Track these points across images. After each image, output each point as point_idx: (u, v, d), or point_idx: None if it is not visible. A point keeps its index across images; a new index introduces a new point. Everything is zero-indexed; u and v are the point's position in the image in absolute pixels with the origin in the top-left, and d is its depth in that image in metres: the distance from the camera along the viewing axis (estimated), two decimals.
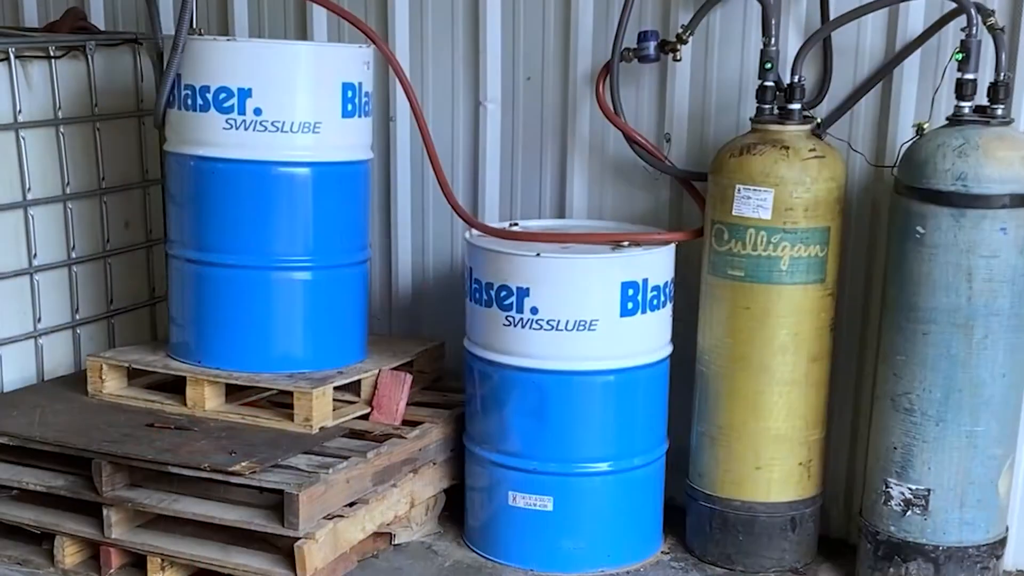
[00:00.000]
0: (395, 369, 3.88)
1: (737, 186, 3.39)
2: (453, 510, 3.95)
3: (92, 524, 3.48)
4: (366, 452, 3.52)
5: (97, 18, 4.60)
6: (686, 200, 3.84)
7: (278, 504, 3.33)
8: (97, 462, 3.40)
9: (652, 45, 3.68)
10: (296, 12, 4.30)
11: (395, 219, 4.30)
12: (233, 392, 3.79)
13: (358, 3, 4.15)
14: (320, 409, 3.60)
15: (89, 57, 4.06)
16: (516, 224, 3.84)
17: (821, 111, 3.60)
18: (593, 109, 3.91)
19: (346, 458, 3.47)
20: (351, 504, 3.48)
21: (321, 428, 3.61)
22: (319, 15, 4.23)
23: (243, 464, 3.30)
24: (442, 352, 4.19)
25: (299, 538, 3.26)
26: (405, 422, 3.80)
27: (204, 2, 4.36)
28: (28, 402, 3.80)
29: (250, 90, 3.51)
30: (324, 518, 3.35)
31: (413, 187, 4.28)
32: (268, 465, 3.33)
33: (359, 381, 3.80)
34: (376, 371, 3.83)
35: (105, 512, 3.42)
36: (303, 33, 4.27)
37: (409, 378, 3.83)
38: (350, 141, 3.74)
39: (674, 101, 3.80)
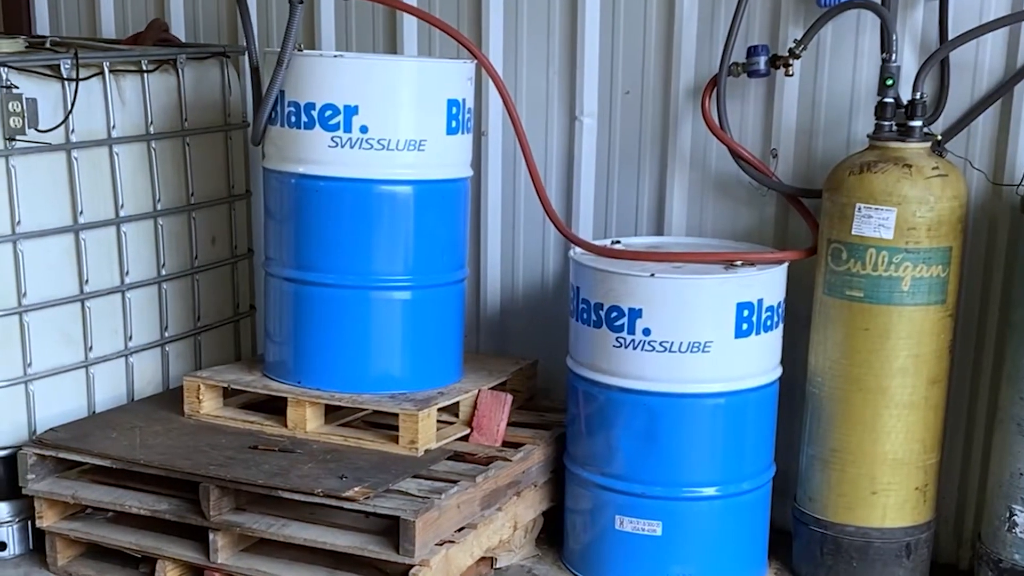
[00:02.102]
0: (493, 389, 3.83)
1: (857, 205, 3.32)
2: (549, 532, 3.89)
3: (195, 548, 3.42)
4: (474, 476, 3.45)
5: (177, 29, 4.54)
6: (792, 217, 3.77)
7: (387, 529, 3.28)
8: (205, 486, 3.34)
9: (763, 59, 3.61)
10: (385, 25, 4.23)
11: (484, 235, 4.23)
12: (330, 412, 3.74)
13: (450, 16, 4.08)
14: (425, 431, 3.54)
15: (180, 71, 4.01)
16: (618, 242, 3.77)
17: (937, 128, 3.52)
18: (695, 124, 3.85)
19: (455, 482, 3.41)
20: (460, 529, 3.42)
21: (426, 451, 3.55)
22: (409, 28, 4.17)
23: (356, 489, 3.23)
24: (535, 371, 4.13)
25: (413, 565, 3.20)
26: (504, 443, 3.75)
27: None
28: (124, 423, 3.74)
29: (357, 107, 3.45)
30: (436, 544, 3.29)
31: (504, 203, 4.22)
32: (381, 490, 3.27)
33: (457, 401, 3.74)
34: (476, 391, 3.77)
35: (211, 536, 3.37)
36: (393, 47, 4.21)
37: (510, 399, 3.76)
38: (453, 158, 3.67)
39: (781, 116, 3.73)
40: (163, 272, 4.05)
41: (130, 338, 3.97)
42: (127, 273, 3.90)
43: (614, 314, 3.43)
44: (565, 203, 4.10)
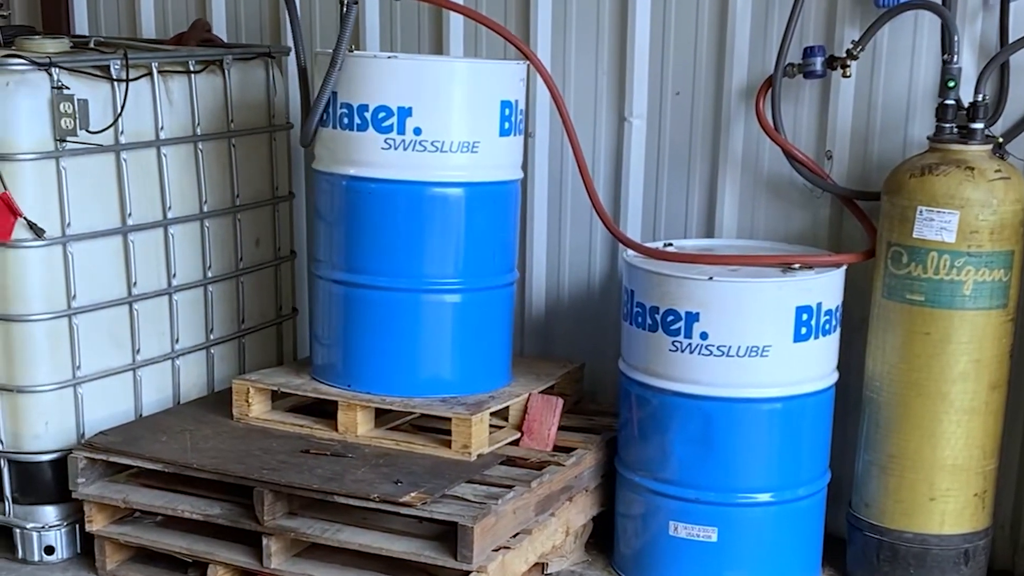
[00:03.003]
0: (542, 392, 3.79)
1: (919, 208, 3.28)
2: (598, 537, 3.86)
3: (247, 553, 3.40)
4: (529, 481, 3.42)
5: (219, 29, 4.51)
6: (846, 219, 3.73)
7: (442, 535, 3.25)
8: (259, 491, 3.31)
9: (819, 61, 3.57)
10: (431, 25, 4.20)
11: (530, 236, 4.20)
12: (379, 416, 3.71)
13: (497, 14, 4.04)
14: (478, 436, 3.51)
15: (226, 71, 3.98)
16: (670, 244, 3.73)
17: (996, 130, 3.48)
18: (747, 125, 3.81)
19: (510, 487, 3.37)
20: (515, 535, 3.38)
21: (479, 455, 3.52)
22: (455, 28, 4.13)
23: (413, 495, 3.20)
24: (582, 373, 4.09)
25: (471, 571, 3.17)
26: (554, 447, 3.71)
27: (335, 16, 4.25)
28: (173, 426, 3.71)
29: (411, 109, 3.42)
30: (493, 550, 3.26)
31: (551, 204, 4.18)
32: (437, 496, 3.24)
33: (507, 405, 3.71)
34: (526, 395, 3.74)
35: (265, 542, 3.34)
36: (439, 47, 4.18)
37: (560, 403, 3.73)
38: (505, 160, 3.64)
39: (837, 117, 3.69)
40: (209, 274, 4.02)
41: (176, 341, 3.94)
42: (174, 275, 3.88)
43: (670, 318, 3.39)
44: (613, 205, 4.06)
